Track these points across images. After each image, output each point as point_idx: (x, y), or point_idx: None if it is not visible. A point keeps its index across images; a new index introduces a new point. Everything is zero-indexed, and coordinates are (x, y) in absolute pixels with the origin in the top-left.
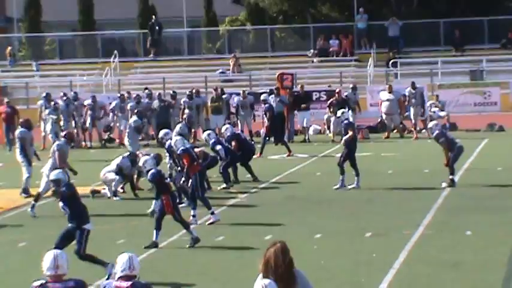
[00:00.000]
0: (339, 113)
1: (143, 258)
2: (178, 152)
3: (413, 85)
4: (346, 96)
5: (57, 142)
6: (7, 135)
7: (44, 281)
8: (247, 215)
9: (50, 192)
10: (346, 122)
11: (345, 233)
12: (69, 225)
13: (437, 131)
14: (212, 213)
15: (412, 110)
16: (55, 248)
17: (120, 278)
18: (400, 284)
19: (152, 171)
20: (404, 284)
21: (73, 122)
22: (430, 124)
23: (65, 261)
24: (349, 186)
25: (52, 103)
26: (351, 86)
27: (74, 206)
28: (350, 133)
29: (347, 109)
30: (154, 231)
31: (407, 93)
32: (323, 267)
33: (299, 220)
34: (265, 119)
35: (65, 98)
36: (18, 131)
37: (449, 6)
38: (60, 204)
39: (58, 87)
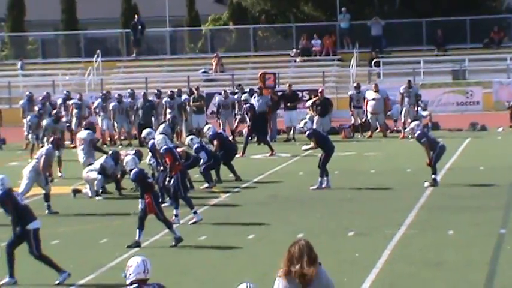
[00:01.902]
0: (301, 123)
1: (125, 258)
2: (161, 151)
3: (409, 84)
4: (350, 95)
5: (46, 147)
6: None
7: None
8: (230, 215)
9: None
10: (308, 132)
11: (328, 232)
12: (16, 228)
13: (418, 131)
14: (195, 212)
15: (404, 109)
16: (7, 247)
17: (135, 281)
18: (382, 283)
19: (135, 170)
20: (387, 283)
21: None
22: (412, 124)
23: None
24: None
25: (36, 108)
26: (355, 85)
27: (12, 210)
28: (311, 144)
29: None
30: (138, 230)
31: (402, 91)
32: None
33: (282, 219)
34: (247, 119)
35: (40, 98)
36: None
37: (431, 5)
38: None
39: (41, 87)
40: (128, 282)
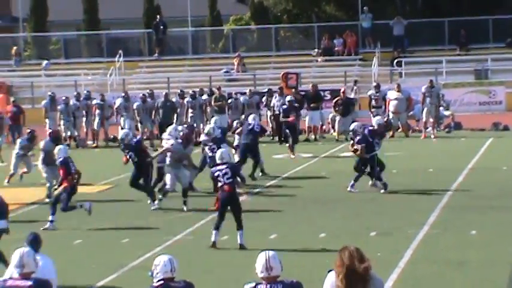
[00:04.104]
0: (352, 125)
1: (147, 258)
2: (57, 162)
3: (431, 83)
4: (369, 95)
5: (45, 139)
6: (13, 134)
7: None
8: (252, 215)
9: None
10: (359, 137)
11: (350, 233)
12: None
13: (359, 136)
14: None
15: (425, 108)
16: None
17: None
18: (405, 283)
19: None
20: (409, 283)
21: (84, 120)
22: (353, 125)
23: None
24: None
25: (59, 108)
26: (374, 84)
27: None
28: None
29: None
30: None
31: (423, 90)
32: (328, 267)
33: (304, 219)
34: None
35: (64, 97)
36: (44, 141)
37: (454, 5)
38: None
39: (63, 87)
40: (155, 281)
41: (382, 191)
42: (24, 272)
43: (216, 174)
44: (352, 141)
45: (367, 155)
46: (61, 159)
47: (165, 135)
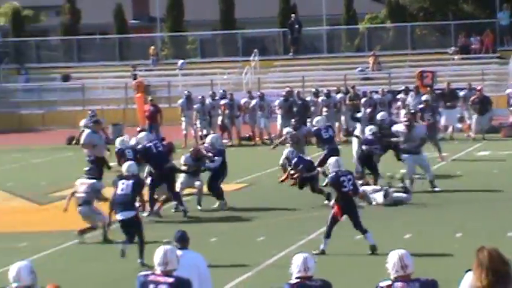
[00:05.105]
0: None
1: (282, 256)
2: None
3: None
4: (508, 93)
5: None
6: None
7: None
8: (386, 214)
9: None
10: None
11: (486, 232)
12: None
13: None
14: None
15: None
16: None
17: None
18: None
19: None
20: None
21: (219, 118)
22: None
23: (175, 257)
24: None
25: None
26: None
27: None
28: None
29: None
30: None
31: None
32: (466, 266)
33: (441, 219)
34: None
35: (200, 97)
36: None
37: None
38: None
39: (199, 86)
40: (292, 278)
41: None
42: (168, 269)
43: (341, 179)
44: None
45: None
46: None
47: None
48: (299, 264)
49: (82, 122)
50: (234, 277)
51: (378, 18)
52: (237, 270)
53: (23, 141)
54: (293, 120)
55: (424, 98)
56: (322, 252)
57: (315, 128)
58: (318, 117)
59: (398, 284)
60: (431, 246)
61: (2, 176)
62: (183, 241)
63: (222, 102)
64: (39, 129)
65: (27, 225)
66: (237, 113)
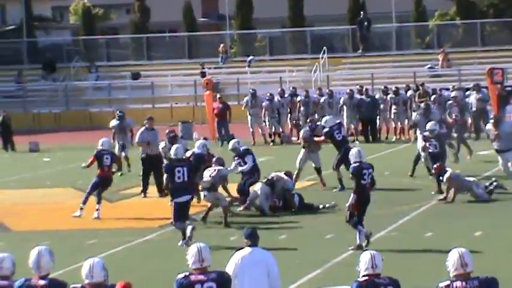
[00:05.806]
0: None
1: (350, 254)
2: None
3: None
4: None
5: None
6: (219, 130)
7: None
8: (457, 211)
9: None
10: None
11: None
12: None
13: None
14: None
15: None
16: None
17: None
18: None
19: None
20: None
21: (288, 117)
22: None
23: (209, 254)
24: None
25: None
26: None
27: None
28: None
29: None
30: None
31: None
32: None
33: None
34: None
35: (268, 94)
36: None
37: None
38: None
39: (268, 84)
40: (360, 276)
41: None
42: (204, 266)
43: (363, 172)
44: None
45: None
46: None
47: None
48: (367, 262)
49: (112, 123)
50: (302, 275)
51: (447, 15)
52: (305, 267)
53: (92, 139)
54: (308, 119)
55: (453, 94)
56: (360, 247)
57: (325, 129)
58: (327, 117)
59: (457, 283)
60: (500, 244)
61: (73, 174)
62: (253, 238)
63: (298, 99)
64: (109, 127)
65: (97, 222)
66: (310, 110)
